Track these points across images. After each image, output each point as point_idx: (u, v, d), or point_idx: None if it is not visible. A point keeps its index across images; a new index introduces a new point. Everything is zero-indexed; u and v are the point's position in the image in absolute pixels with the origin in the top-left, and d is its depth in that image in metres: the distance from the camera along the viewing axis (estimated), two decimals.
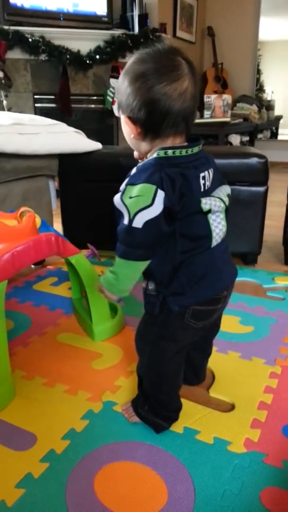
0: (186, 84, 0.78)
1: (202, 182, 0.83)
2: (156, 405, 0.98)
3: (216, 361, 1.24)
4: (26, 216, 1.27)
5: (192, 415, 1.04)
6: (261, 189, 1.87)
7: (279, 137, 5.58)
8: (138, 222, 0.77)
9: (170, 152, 0.80)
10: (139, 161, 0.90)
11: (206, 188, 0.84)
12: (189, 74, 0.78)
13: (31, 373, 1.22)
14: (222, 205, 0.86)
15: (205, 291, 0.87)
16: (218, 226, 0.85)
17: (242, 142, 4.76)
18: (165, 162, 0.79)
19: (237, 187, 1.85)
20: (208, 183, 0.85)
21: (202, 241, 0.84)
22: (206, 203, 0.82)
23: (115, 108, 3.76)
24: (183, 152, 0.81)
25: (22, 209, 1.35)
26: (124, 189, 0.80)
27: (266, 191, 1.88)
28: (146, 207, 0.76)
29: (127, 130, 0.84)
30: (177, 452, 0.94)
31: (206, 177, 0.84)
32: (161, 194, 0.76)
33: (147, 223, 0.76)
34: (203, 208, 0.82)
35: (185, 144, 0.84)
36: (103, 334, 1.39)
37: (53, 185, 2.04)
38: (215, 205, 0.84)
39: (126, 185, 0.80)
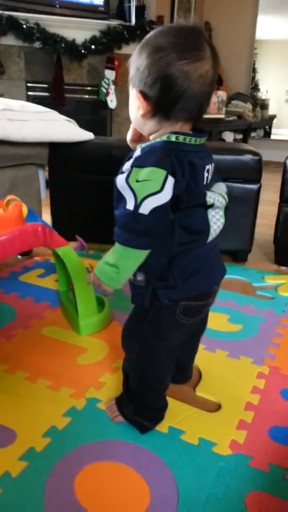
0: (207, 67, 0.73)
1: (206, 175, 0.79)
2: (141, 405, 0.95)
3: (203, 359, 1.22)
4: (12, 205, 1.23)
5: (177, 414, 1.01)
6: (254, 186, 1.85)
7: (272, 137, 5.56)
8: (145, 208, 0.72)
9: (181, 137, 0.75)
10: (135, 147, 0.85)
11: (208, 182, 0.81)
12: (210, 57, 0.73)
13: (13, 367, 1.18)
14: (224, 201, 0.83)
15: (197, 286, 0.85)
16: (216, 223, 0.82)
17: (235, 140, 4.75)
18: (174, 147, 0.74)
19: (230, 184, 1.82)
20: (209, 177, 0.81)
21: (199, 235, 0.82)
22: (210, 196, 0.80)
23: (109, 99, 3.71)
24: (192, 141, 0.76)
25: (9, 197, 1.30)
26: (130, 171, 0.74)
27: (259, 189, 1.86)
28: (155, 193, 0.71)
29: (135, 106, 0.78)
30: (161, 453, 0.91)
31: (210, 170, 0.81)
32: (171, 181, 0.72)
33: (154, 210, 0.72)
34: (208, 202, 0.79)
35: (193, 133, 0.79)
36: (89, 328, 1.35)
37: (42, 175, 1.99)
38: (217, 201, 0.81)
39: (132, 167, 0.74)
